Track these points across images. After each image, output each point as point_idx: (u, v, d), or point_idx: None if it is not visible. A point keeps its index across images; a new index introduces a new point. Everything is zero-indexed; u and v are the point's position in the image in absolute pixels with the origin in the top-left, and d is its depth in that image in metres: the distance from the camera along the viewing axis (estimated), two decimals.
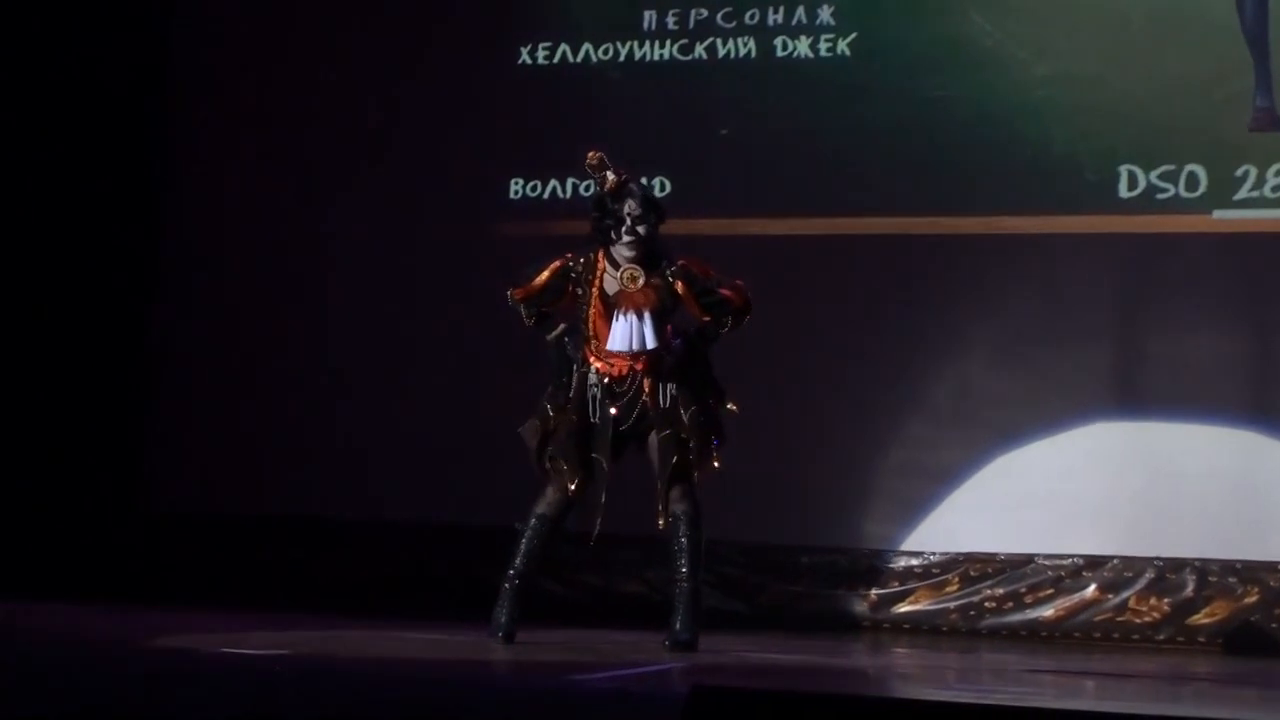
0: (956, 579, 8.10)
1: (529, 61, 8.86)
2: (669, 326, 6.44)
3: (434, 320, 8.79)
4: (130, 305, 9.14)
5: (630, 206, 6.35)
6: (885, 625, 8.12)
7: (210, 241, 9.18)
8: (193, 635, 6.13)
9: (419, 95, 8.95)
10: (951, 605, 8.09)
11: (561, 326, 6.47)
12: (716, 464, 6.43)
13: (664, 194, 8.51)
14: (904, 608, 8.15)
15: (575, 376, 6.40)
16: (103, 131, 9.05)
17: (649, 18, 8.70)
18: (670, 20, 8.65)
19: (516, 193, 8.79)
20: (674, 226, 8.43)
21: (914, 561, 8.16)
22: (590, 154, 6.43)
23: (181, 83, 9.29)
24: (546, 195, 8.73)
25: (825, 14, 8.47)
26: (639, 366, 6.36)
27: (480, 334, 8.45)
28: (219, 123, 9.22)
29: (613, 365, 6.37)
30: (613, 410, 6.34)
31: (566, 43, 8.81)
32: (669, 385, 6.36)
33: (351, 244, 8.95)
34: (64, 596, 7.47)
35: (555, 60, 8.82)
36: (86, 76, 9.00)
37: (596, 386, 6.37)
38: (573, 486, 6.35)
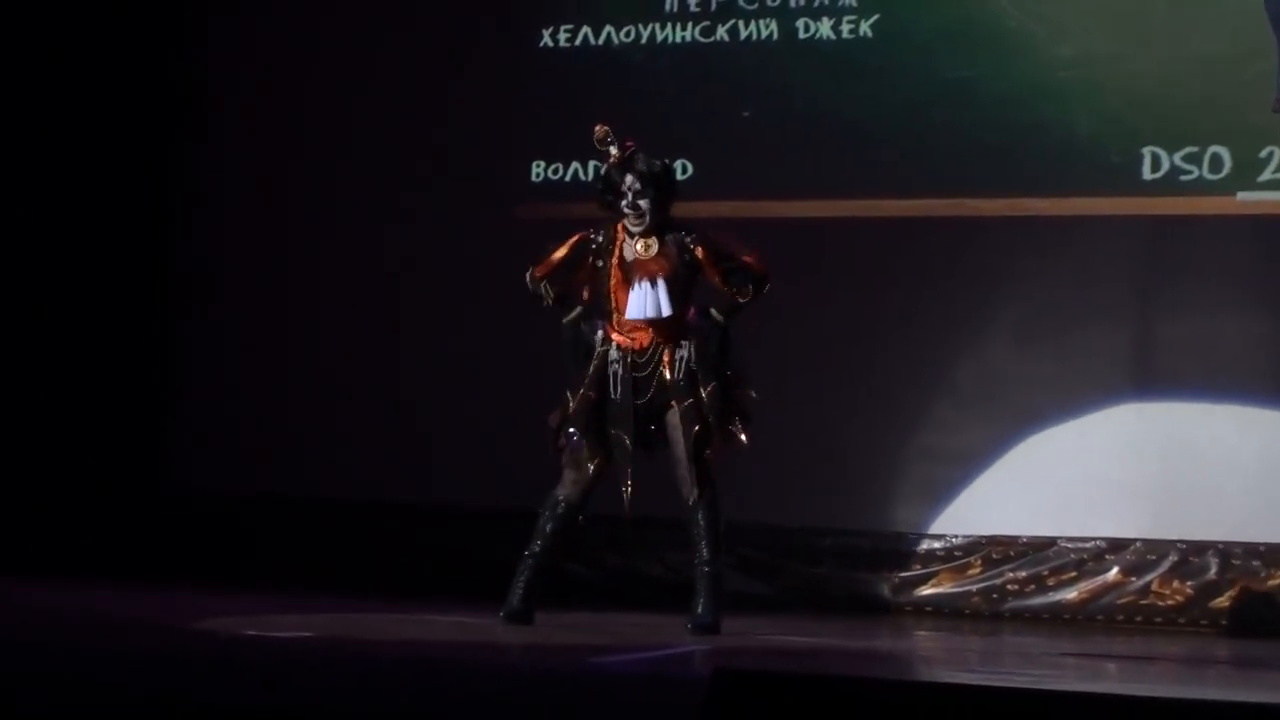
0: (979, 562, 8.09)
1: (550, 44, 8.84)
2: (690, 303, 6.42)
3: (457, 302, 8.79)
4: (154, 287, 9.16)
5: (629, 181, 6.34)
6: (907, 608, 8.11)
7: (234, 227, 9.18)
8: (214, 617, 6.14)
9: (441, 78, 8.94)
10: (974, 588, 8.08)
11: (578, 309, 6.46)
12: (744, 439, 6.39)
13: (686, 176, 8.50)
14: (926, 590, 8.15)
15: (596, 355, 6.40)
16: (127, 119, 9.07)
17: (670, 0, 8.68)
18: (692, 2, 8.63)
19: (538, 175, 8.79)
20: (697, 209, 8.43)
21: (936, 544, 8.15)
22: (597, 127, 6.44)
23: (208, 63, 9.30)
24: (568, 178, 8.72)
25: None
26: (659, 339, 6.34)
27: (504, 316, 8.45)
28: (243, 107, 9.22)
29: (633, 339, 6.37)
30: (633, 392, 6.33)
31: (588, 25, 8.79)
32: (687, 359, 6.33)
33: (374, 227, 8.95)
34: (86, 577, 7.50)
35: (577, 43, 8.81)
36: (117, 68, 9.02)
37: (618, 363, 6.37)
38: (591, 465, 6.33)
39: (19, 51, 8.88)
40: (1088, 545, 7.95)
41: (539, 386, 8.00)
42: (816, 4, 8.47)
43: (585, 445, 6.35)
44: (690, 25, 8.65)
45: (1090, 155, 8.07)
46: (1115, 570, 7.91)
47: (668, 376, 6.33)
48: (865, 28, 8.41)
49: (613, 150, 6.40)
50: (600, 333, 6.42)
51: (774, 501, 8.22)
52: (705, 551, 6.36)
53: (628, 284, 6.33)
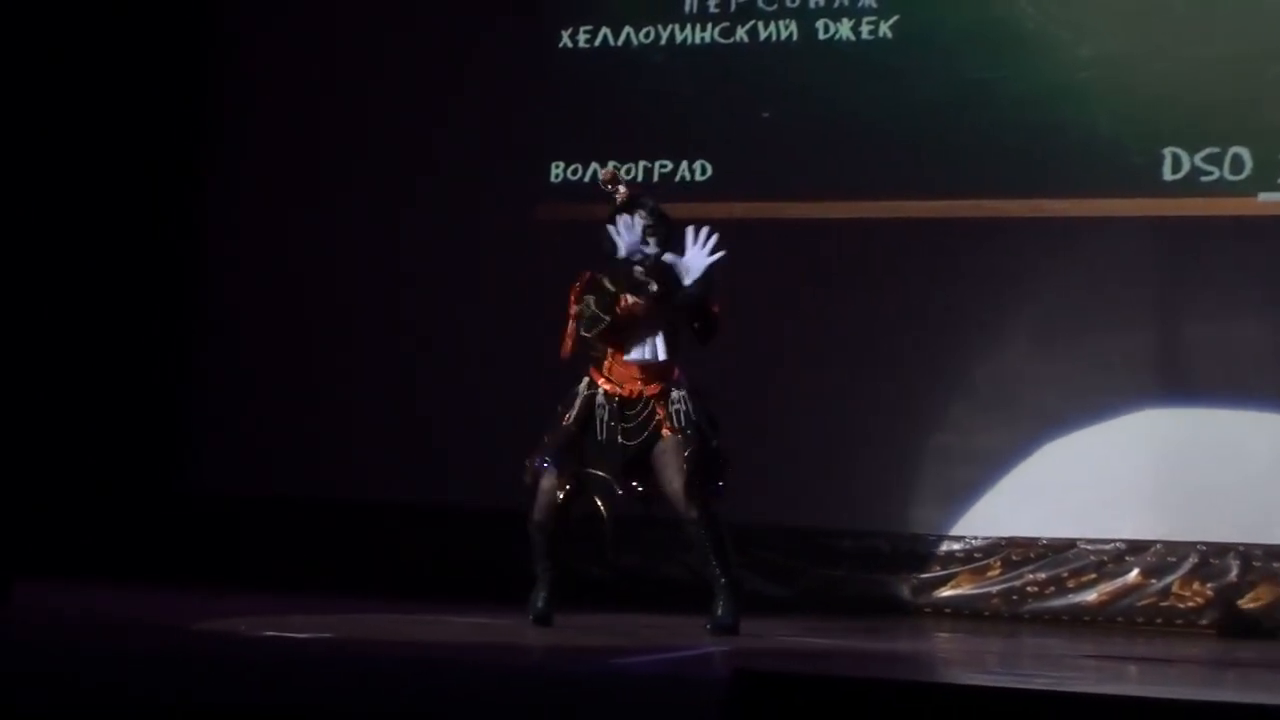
0: (998, 563, 8.07)
1: (570, 45, 8.85)
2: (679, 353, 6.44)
3: (475, 303, 8.79)
4: (165, 287, 9.17)
5: (642, 216, 6.37)
6: (927, 610, 8.10)
7: (248, 227, 9.20)
8: (226, 618, 6.15)
9: (460, 79, 8.95)
10: (993, 590, 8.06)
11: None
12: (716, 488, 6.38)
13: (705, 178, 8.52)
14: (945, 592, 8.13)
15: (581, 396, 6.40)
16: (140, 118, 9.08)
17: (690, 1, 8.68)
18: (711, 3, 8.63)
19: (557, 176, 8.79)
20: (715, 210, 8.44)
21: (956, 546, 8.14)
22: (603, 172, 6.48)
23: (225, 63, 9.32)
24: (587, 178, 8.71)
25: None
26: (650, 390, 6.35)
27: (522, 316, 8.45)
28: (259, 107, 9.24)
29: (624, 387, 6.37)
30: (619, 436, 6.34)
31: (607, 26, 8.80)
32: (685, 411, 6.36)
33: (391, 228, 8.96)
34: (95, 577, 7.51)
35: (596, 44, 8.81)
36: (134, 68, 9.05)
37: (604, 408, 6.37)
38: (560, 494, 6.35)
39: (38, 56, 8.90)
40: (1108, 547, 7.94)
41: (561, 387, 8.01)
42: (836, 5, 8.46)
43: (556, 476, 6.34)
44: (710, 26, 8.64)
45: (1111, 156, 8.05)
46: (1135, 572, 7.89)
47: (664, 423, 6.34)
48: (885, 29, 8.40)
49: (621, 189, 6.45)
50: (586, 378, 6.43)
51: (793, 503, 8.22)
52: (718, 567, 6.35)
53: (624, 328, 6.35)
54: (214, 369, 9.16)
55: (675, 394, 6.38)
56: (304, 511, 8.84)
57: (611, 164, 6.53)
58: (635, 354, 6.39)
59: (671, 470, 6.32)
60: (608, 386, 6.40)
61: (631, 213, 6.40)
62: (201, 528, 8.87)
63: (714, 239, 6.39)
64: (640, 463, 6.38)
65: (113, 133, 8.99)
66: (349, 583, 8.00)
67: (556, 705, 4.38)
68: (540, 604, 6.36)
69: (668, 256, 6.41)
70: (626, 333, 6.37)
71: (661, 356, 6.38)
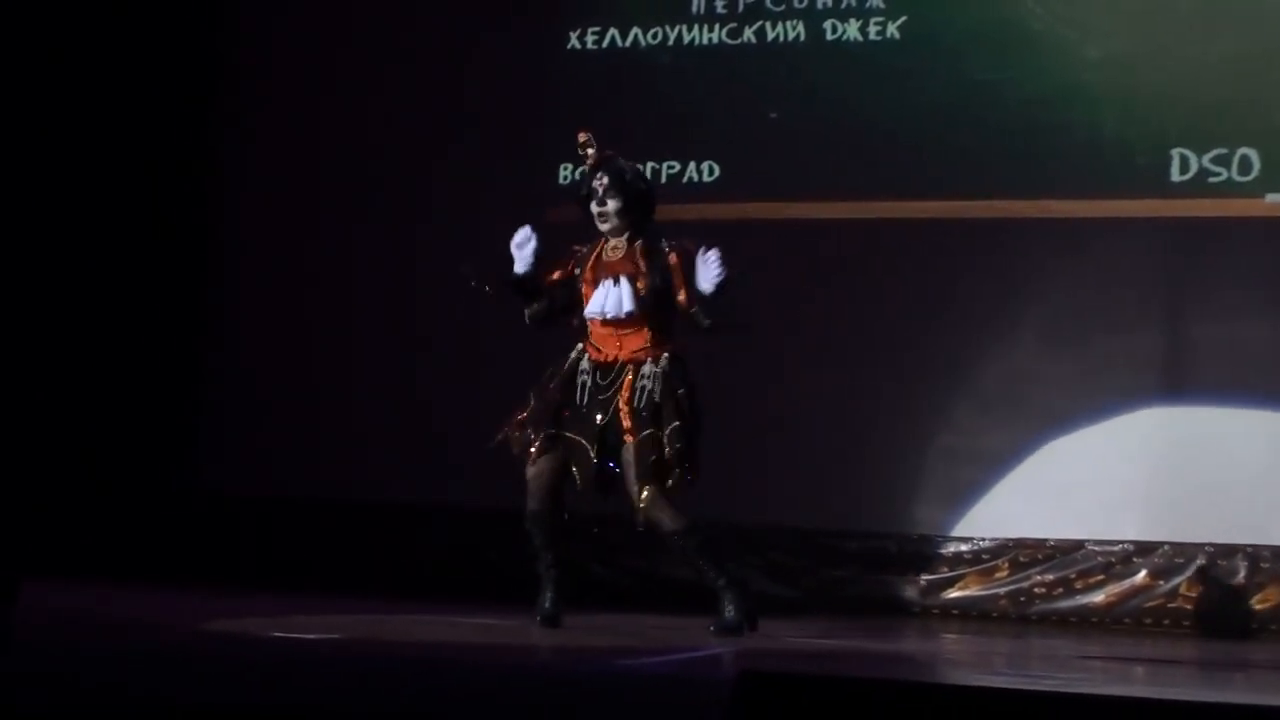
0: (1006, 565, 8.07)
1: (578, 46, 8.85)
2: (666, 318, 6.34)
3: (486, 305, 8.78)
4: (184, 291, 9.18)
5: (599, 179, 6.34)
6: (934, 611, 8.10)
7: (262, 229, 9.20)
8: (239, 618, 6.16)
9: (468, 81, 8.96)
10: (1001, 591, 8.05)
11: (537, 305, 6.47)
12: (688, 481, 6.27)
13: (713, 178, 8.52)
14: (953, 593, 8.13)
15: (568, 361, 6.40)
16: (156, 118, 9.10)
17: (697, 2, 8.68)
18: (719, 4, 8.63)
19: (565, 178, 8.79)
20: (722, 211, 8.46)
21: (963, 547, 8.13)
22: (580, 133, 6.47)
23: (237, 66, 9.32)
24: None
25: None
26: (624, 354, 6.30)
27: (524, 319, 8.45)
28: (270, 110, 9.24)
29: (603, 352, 6.34)
30: (594, 407, 6.29)
31: (615, 27, 8.80)
32: (650, 389, 6.24)
33: (401, 229, 8.97)
34: (104, 577, 7.52)
35: (604, 45, 8.81)
36: (147, 68, 9.06)
37: (587, 374, 6.35)
38: (540, 464, 6.28)
39: (41, 57, 8.90)
40: (1115, 548, 7.93)
41: None
42: (844, 6, 8.46)
43: (536, 444, 6.30)
44: (717, 27, 8.65)
45: (1118, 157, 8.05)
46: (1143, 573, 7.88)
47: (625, 404, 6.24)
48: (893, 29, 8.39)
49: (590, 153, 6.43)
50: (581, 344, 6.42)
51: (800, 504, 8.22)
52: (710, 574, 6.30)
53: (594, 285, 6.32)
54: (220, 369, 9.17)
55: (647, 368, 6.28)
56: (308, 511, 8.85)
57: (587, 134, 6.51)
58: (594, 308, 6.31)
59: (630, 480, 6.25)
60: (590, 350, 6.36)
61: (595, 176, 6.35)
62: (206, 527, 8.87)
63: (717, 264, 6.24)
64: (613, 450, 6.29)
65: (119, 133, 8.99)
66: (354, 583, 8.00)
67: (564, 706, 4.38)
68: (547, 605, 6.34)
69: None
70: (586, 296, 6.34)
71: (627, 307, 6.27)
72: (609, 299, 6.28)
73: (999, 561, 8.07)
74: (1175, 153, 7.99)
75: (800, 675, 4.28)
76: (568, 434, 6.32)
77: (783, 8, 8.55)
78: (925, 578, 8.15)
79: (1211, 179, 7.94)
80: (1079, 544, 7.98)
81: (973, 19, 8.31)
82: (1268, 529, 7.73)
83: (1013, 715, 3.97)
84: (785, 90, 8.52)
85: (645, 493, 6.21)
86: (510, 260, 6.47)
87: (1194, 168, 7.97)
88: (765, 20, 8.57)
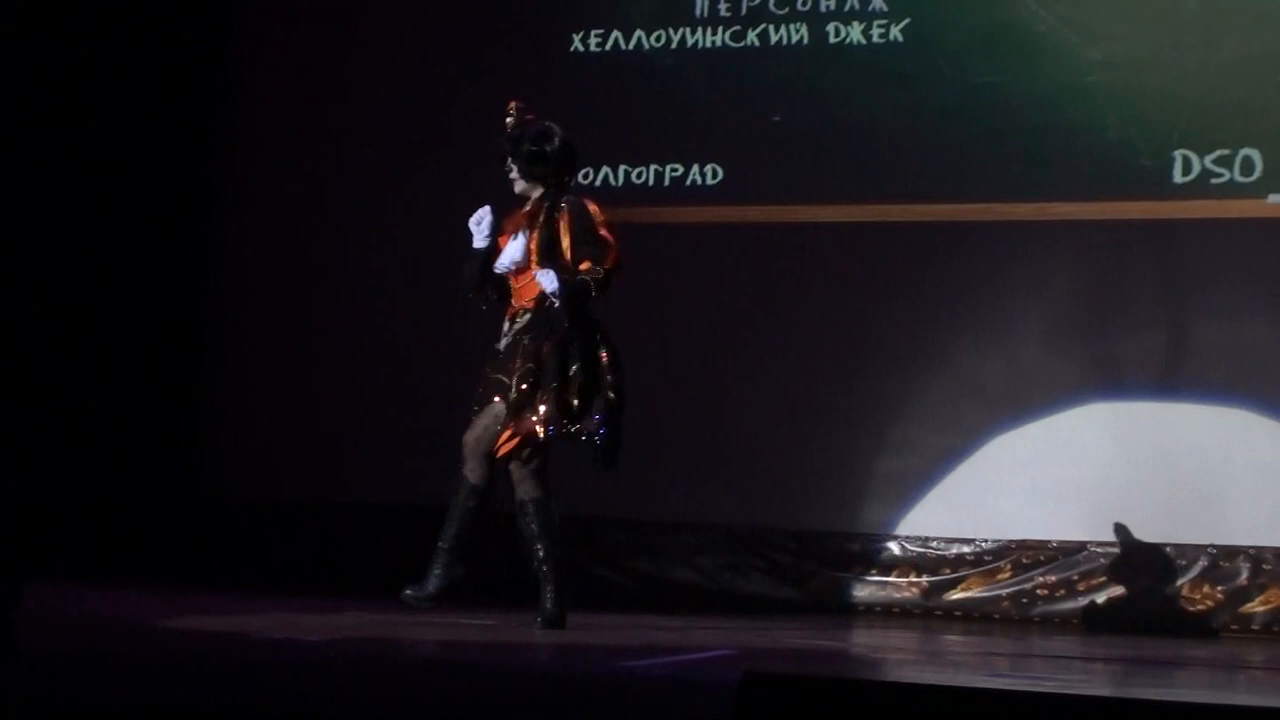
0: (1009, 566, 8.08)
1: (581, 49, 8.86)
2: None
3: (492, 307, 8.80)
4: (187, 296, 9.20)
5: (507, 145, 6.49)
6: (937, 612, 8.11)
7: (268, 233, 9.22)
8: (243, 621, 6.17)
9: (471, 83, 8.97)
10: (1003, 593, 8.06)
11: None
12: (539, 432, 6.24)
13: (716, 182, 8.53)
14: (956, 595, 8.14)
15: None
16: (161, 121, 9.11)
17: (701, 4, 8.69)
18: (722, 7, 8.64)
19: (568, 179, 8.78)
20: (725, 214, 8.48)
21: (966, 549, 8.14)
22: (509, 103, 6.61)
23: (242, 71, 9.34)
24: (598, 183, 8.72)
25: (877, 0, 8.45)
26: (521, 304, 6.37)
27: None
28: (277, 112, 9.26)
29: (512, 305, 6.45)
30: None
31: (618, 30, 8.81)
32: (520, 336, 6.33)
33: (407, 233, 8.98)
34: (118, 580, 7.53)
35: (607, 48, 8.82)
36: (153, 70, 9.07)
37: (506, 334, 6.44)
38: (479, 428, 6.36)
39: (57, 54, 8.91)
40: (1116, 550, 7.93)
41: None
42: (847, 9, 8.47)
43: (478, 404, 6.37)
44: (720, 30, 8.66)
45: (1120, 159, 8.06)
46: (1145, 575, 7.88)
47: (506, 352, 6.34)
48: (896, 32, 8.40)
49: (508, 120, 6.58)
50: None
51: (802, 506, 8.23)
52: (541, 551, 6.29)
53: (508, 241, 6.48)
54: (237, 375, 9.18)
55: (526, 316, 6.36)
56: (312, 515, 8.86)
57: (515, 103, 6.61)
58: (499, 263, 6.44)
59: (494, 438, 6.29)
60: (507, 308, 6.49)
61: (509, 149, 6.47)
62: (209, 531, 8.89)
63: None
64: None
65: (124, 141, 9.01)
66: (358, 586, 8.01)
67: (567, 707, 4.39)
68: (549, 606, 6.35)
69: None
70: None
71: (515, 257, 6.38)
72: (506, 252, 6.44)
73: (1002, 563, 8.08)
74: (1178, 154, 8.00)
75: (804, 677, 4.29)
76: (490, 395, 6.38)
77: (786, 11, 8.56)
78: (928, 579, 8.16)
79: (1214, 180, 7.95)
80: (1081, 545, 7.99)
81: (976, 22, 8.32)
82: (1270, 530, 7.73)
83: (1015, 717, 3.98)
84: (788, 93, 8.54)
85: (477, 424, 6.31)
86: (469, 238, 6.54)
87: (1196, 169, 7.98)
88: (768, 23, 8.58)
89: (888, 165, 8.35)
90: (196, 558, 8.71)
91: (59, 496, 8.60)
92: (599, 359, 6.31)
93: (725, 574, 8.37)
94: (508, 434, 6.26)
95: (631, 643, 6.31)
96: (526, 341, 6.31)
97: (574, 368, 6.25)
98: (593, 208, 6.46)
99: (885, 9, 8.43)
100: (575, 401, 6.24)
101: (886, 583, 8.20)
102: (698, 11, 8.69)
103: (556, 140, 6.49)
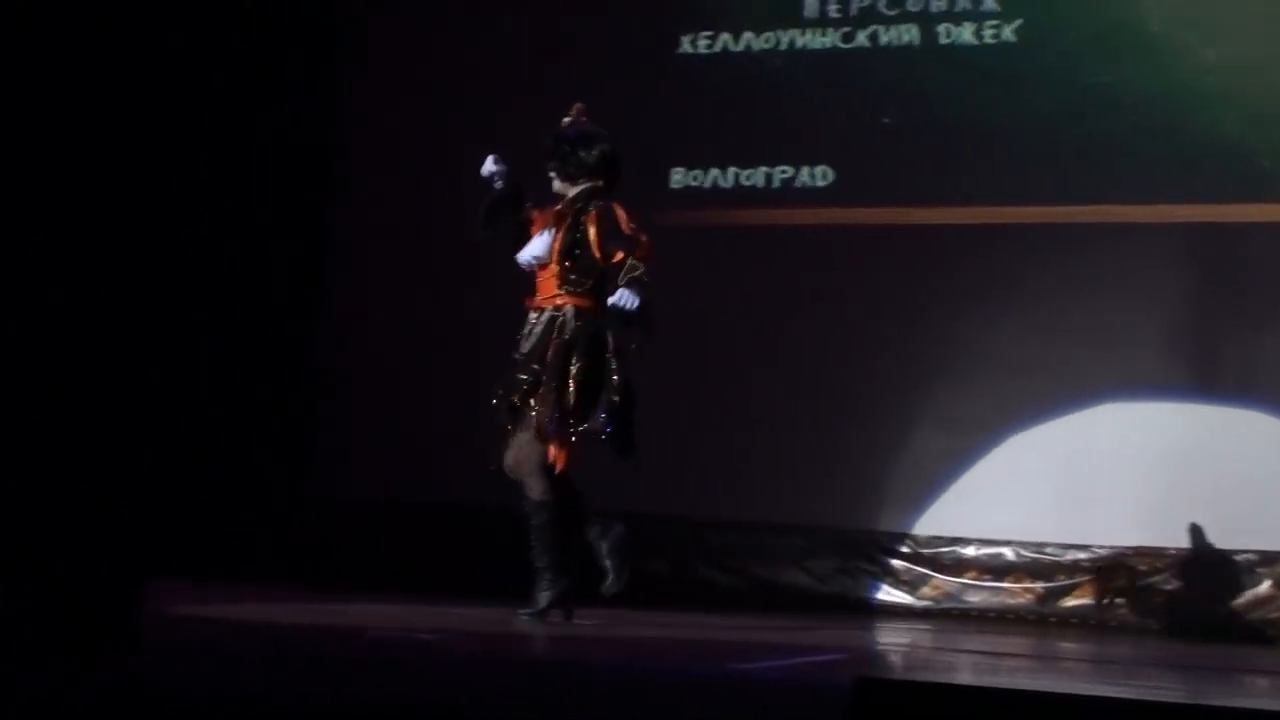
0: (1125, 573, 7.97)
1: (690, 51, 8.85)
2: (592, 278, 6.42)
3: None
4: (300, 299, 9.28)
5: (553, 142, 6.58)
6: (1052, 619, 8.01)
7: (377, 240, 9.27)
8: (353, 615, 6.22)
9: (581, 86, 8.97)
10: (1120, 600, 7.96)
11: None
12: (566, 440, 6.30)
13: (826, 183, 8.49)
14: (1071, 601, 8.04)
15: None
16: (272, 129, 9.19)
17: (810, 5, 8.66)
18: (832, 8, 8.61)
19: (678, 182, 8.79)
20: (836, 216, 8.44)
21: (1081, 555, 8.05)
22: (575, 105, 6.72)
23: (352, 71, 9.40)
24: (708, 185, 8.72)
25: (989, 0, 8.38)
26: (537, 301, 6.46)
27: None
28: (387, 114, 9.31)
29: (534, 298, 6.53)
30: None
31: (727, 32, 8.80)
32: (538, 338, 6.40)
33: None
34: (237, 578, 7.60)
35: (716, 49, 8.81)
36: (258, 73, 9.15)
37: (528, 325, 6.52)
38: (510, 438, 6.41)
39: (180, 62, 9.00)
40: (1239, 559, 7.81)
41: (676, 391, 8.02)
42: (958, 9, 8.41)
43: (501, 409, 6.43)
44: (830, 31, 8.62)
45: (1238, 161, 7.94)
46: (1267, 584, 7.76)
47: (535, 333, 6.42)
48: (1008, 33, 8.33)
49: (566, 120, 6.67)
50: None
51: (918, 511, 8.18)
52: (535, 554, 6.36)
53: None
54: (345, 377, 9.24)
55: (544, 315, 6.45)
56: (428, 515, 8.90)
57: (578, 105, 6.65)
58: (521, 254, 6.51)
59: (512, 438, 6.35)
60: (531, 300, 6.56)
61: (551, 145, 6.54)
62: (331, 530, 8.96)
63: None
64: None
65: (246, 145, 9.10)
66: (472, 585, 8.04)
67: (679, 708, 4.38)
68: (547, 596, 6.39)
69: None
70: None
71: (538, 252, 6.47)
72: (531, 246, 6.52)
73: (1115, 572, 7.98)
74: None
75: (916, 682, 4.26)
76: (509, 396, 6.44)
77: (896, 12, 8.51)
78: (1043, 585, 8.07)
79: None
80: (1199, 553, 7.86)
81: (1089, 21, 8.23)
82: None
83: None
84: (899, 94, 8.48)
85: (525, 451, 6.33)
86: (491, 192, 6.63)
87: None
88: (878, 24, 8.54)
89: (1000, 167, 8.27)
90: (307, 556, 8.77)
91: (175, 496, 8.69)
92: (604, 358, 6.34)
93: (837, 577, 8.33)
94: (548, 446, 6.28)
95: (743, 646, 6.29)
96: (536, 345, 6.40)
97: (574, 368, 6.28)
98: (620, 210, 6.50)
99: (997, 9, 8.36)
100: (573, 401, 6.27)
101: (1000, 588, 8.12)
102: (807, 13, 8.66)
103: (597, 148, 6.58)
